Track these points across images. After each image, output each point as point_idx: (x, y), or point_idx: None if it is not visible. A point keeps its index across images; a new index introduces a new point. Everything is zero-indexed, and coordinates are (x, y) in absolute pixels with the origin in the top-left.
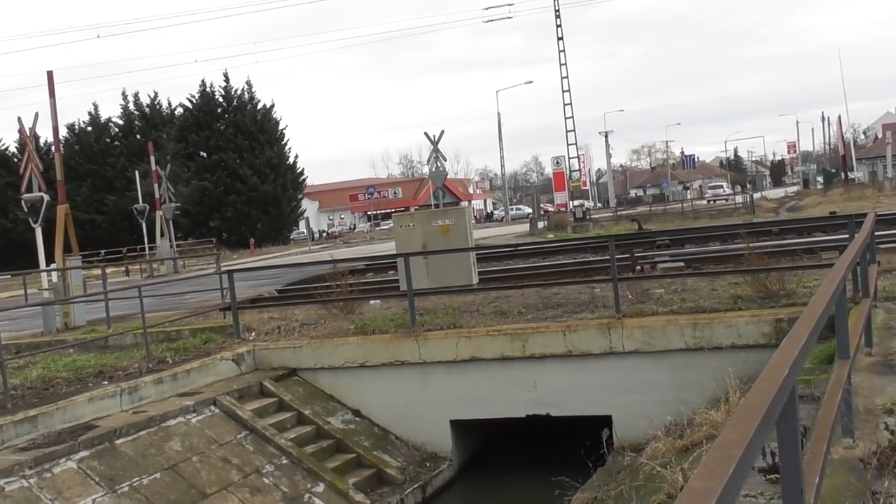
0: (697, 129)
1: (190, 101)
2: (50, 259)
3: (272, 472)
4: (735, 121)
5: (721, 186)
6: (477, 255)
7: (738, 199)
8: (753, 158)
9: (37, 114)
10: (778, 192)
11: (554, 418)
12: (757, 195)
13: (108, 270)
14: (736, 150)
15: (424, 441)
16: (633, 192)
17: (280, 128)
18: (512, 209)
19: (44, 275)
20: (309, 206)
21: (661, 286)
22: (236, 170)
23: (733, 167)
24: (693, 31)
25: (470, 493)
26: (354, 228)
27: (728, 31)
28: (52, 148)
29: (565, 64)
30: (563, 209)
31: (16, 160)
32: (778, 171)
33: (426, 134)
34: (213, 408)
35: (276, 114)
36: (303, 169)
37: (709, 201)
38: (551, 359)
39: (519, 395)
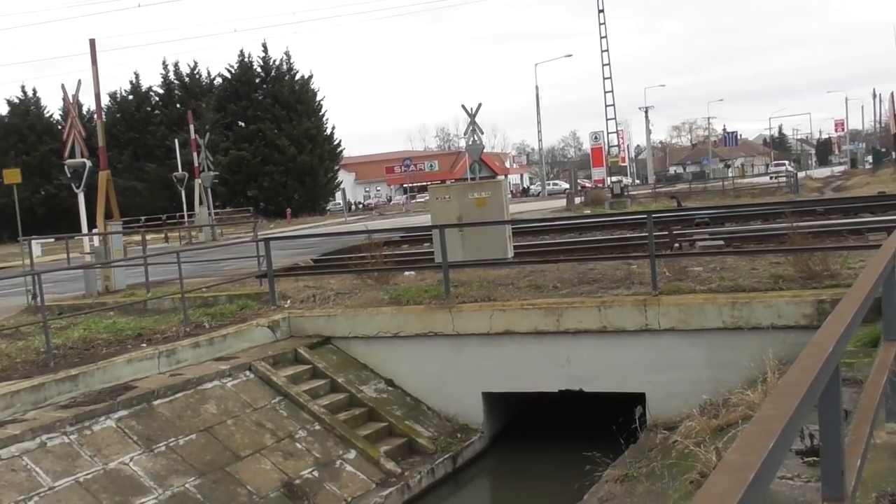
0: (741, 106)
1: (229, 70)
2: (92, 224)
3: (305, 437)
4: (781, 97)
5: (784, 164)
6: (512, 229)
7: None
8: (799, 136)
9: (79, 81)
10: (824, 172)
11: (587, 394)
12: (801, 174)
13: (147, 237)
14: (780, 128)
15: (456, 412)
16: (672, 170)
17: (318, 99)
18: (548, 184)
19: (86, 239)
20: (345, 178)
21: (699, 264)
22: (274, 140)
23: (777, 145)
24: (738, 5)
25: (500, 466)
26: (390, 200)
27: (775, 5)
28: (95, 115)
29: (606, 37)
30: (600, 185)
31: (59, 127)
32: (824, 150)
33: (463, 106)
34: (248, 373)
35: (314, 85)
36: (340, 140)
37: (771, 177)
38: (585, 334)
39: (552, 369)
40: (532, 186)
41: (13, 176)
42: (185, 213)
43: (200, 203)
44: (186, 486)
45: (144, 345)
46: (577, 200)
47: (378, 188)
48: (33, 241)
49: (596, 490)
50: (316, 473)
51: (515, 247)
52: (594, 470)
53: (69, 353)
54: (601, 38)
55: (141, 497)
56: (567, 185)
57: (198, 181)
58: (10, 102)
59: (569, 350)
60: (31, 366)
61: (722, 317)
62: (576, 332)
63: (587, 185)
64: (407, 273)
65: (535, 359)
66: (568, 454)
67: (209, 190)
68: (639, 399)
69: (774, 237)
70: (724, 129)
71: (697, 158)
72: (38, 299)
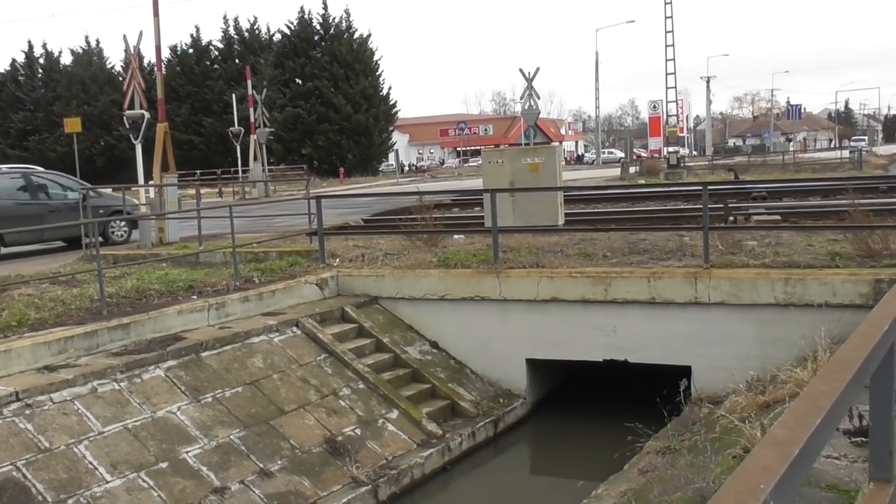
0: (807, 78)
1: (288, 27)
2: (148, 176)
3: (349, 395)
4: (849, 70)
5: (863, 140)
6: (564, 196)
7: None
8: (866, 111)
9: (141, 32)
10: (890, 148)
11: (632, 365)
12: (866, 150)
13: (202, 191)
14: (847, 102)
15: (499, 377)
16: (731, 142)
17: (375, 58)
18: (604, 152)
19: (141, 190)
20: (399, 139)
21: (753, 238)
22: (330, 98)
23: (843, 120)
24: None
25: (541, 432)
26: (443, 163)
27: None
28: (155, 68)
29: (670, 2)
30: (656, 155)
31: (120, 78)
32: (892, 126)
33: (521, 70)
34: (295, 329)
35: (372, 44)
36: (395, 101)
37: (851, 152)
38: (633, 305)
39: (598, 338)
40: (587, 154)
41: (73, 125)
42: (240, 168)
43: (255, 159)
44: (231, 437)
45: (195, 297)
46: (632, 170)
47: (431, 150)
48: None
49: (637, 460)
50: (358, 431)
51: (567, 214)
52: (636, 441)
53: (122, 302)
54: (665, 3)
55: (187, 446)
56: (622, 154)
57: (253, 137)
58: (73, 52)
59: (616, 320)
60: (84, 313)
61: (774, 292)
62: (623, 302)
63: (643, 154)
64: (456, 236)
65: (581, 327)
66: (610, 424)
67: (264, 146)
68: (684, 372)
69: (833, 214)
70: (788, 102)
71: (758, 131)
72: (94, 247)
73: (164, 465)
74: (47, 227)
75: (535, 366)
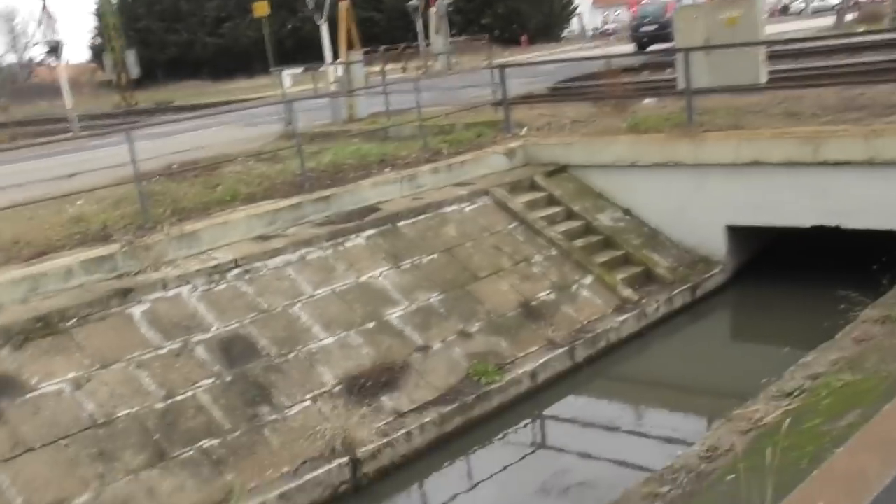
0: None
1: None
2: (335, 55)
3: (541, 262)
4: None
5: None
6: (767, 51)
7: None
8: None
9: None
10: None
11: (844, 231)
12: None
13: (386, 66)
14: None
15: (696, 244)
16: None
17: None
18: (814, 1)
19: (329, 69)
20: (582, 2)
21: None
22: None
23: None
24: None
25: (743, 299)
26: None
27: None
28: None
29: None
30: None
31: None
32: None
33: None
34: (485, 198)
35: None
36: None
37: None
38: (847, 166)
39: (805, 203)
40: (794, 3)
41: (261, 8)
42: (421, 42)
43: (436, 32)
44: (430, 300)
45: (388, 170)
46: (849, 17)
47: (617, 12)
48: (284, 72)
49: (850, 329)
50: (553, 296)
51: (770, 72)
52: (849, 310)
53: (321, 176)
54: None
55: (390, 308)
56: (837, 1)
57: (433, 10)
58: None
59: (826, 183)
60: (289, 187)
61: None
62: (836, 163)
63: None
64: (646, 101)
65: (786, 191)
66: (818, 293)
67: (444, 18)
68: None
69: None
70: None
71: None
72: (293, 126)
73: (370, 325)
74: None
75: (734, 232)
